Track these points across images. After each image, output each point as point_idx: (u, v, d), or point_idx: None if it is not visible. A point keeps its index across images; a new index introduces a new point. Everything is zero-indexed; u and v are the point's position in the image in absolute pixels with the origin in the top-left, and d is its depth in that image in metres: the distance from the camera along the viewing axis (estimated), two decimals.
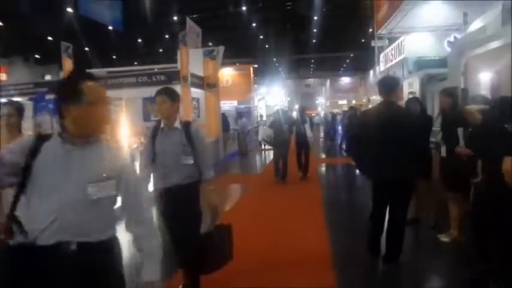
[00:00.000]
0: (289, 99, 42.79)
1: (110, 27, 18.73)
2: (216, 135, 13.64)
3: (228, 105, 19.49)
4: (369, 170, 4.18)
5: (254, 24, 26.15)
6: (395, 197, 4.03)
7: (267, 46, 31.88)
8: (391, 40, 14.28)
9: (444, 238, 4.78)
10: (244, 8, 23.02)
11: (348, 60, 37.83)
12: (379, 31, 14.51)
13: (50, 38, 22.96)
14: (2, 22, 20.99)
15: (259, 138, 12.10)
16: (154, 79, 11.79)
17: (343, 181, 10.74)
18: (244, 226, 5.62)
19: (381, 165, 3.93)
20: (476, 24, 8.40)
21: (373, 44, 15.45)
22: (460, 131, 4.32)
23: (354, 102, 33.56)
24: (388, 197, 4.07)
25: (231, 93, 19.03)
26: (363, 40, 30.53)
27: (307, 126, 9.76)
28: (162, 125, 3.31)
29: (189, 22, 13.24)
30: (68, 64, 12.57)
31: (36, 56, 27.99)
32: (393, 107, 4.05)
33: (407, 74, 13.76)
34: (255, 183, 10.19)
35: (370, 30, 20.78)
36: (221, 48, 13.78)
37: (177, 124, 3.29)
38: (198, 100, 13.78)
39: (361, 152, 4.19)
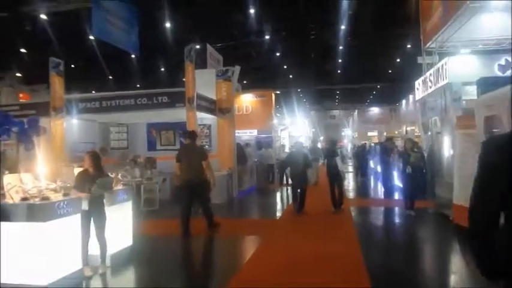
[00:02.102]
0: (313, 130, 40.51)
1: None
2: (230, 167, 11.21)
3: (247, 134, 17.13)
4: None
5: (277, 54, 24.22)
6: None
7: (290, 76, 29.86)
8: (442, 56, 11.62)
9: None
10: (267, 37, 21.08)
11: (374, 92, 35.26)
12: (428, 44, 11.79)
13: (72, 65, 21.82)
14: (25, 49, 19.73)
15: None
16: (155, 101, 9.62)
17: (394, 238, 7.80)
18: None
19: None
20: None
21: (420, 60, 12.79)
22: None
23: (385, 133, 30.56)
24: None
25: (251, 121, 16.70)
26: (390, 71, 28.44)
27: (338, 159, 9.14)
28: None
29: (209, 48, 11.30)
30: (57, 82, 10.56)
31: None
32: None
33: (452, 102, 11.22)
34: (274, 231, 7.63)
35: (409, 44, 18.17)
36: (237, 69, 11.62)
37: None
38: (209, 127, 11.51)
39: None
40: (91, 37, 15.97)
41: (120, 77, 23.18)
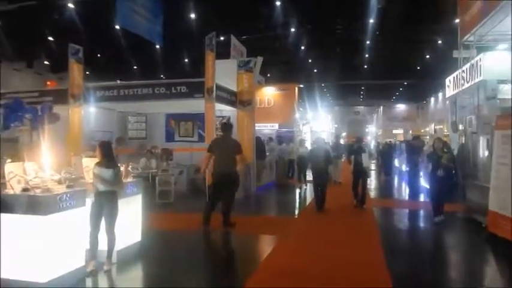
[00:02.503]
0: (336, 126, 39.56)
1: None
2: (249, 162, 10.76)
3: (268, 128, 16.62)
4: None
5: (302, 48, 23.52)
6: None
7: (315, 70, 29.07)
8: (480, 50, 10.74)
9: None
10: (292, 30, 20.42)
11: (400, 89, 34.01)
12: (466, 38, 10.89)
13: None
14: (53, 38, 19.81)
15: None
16: (174, 91, 9.25)
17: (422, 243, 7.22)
18: None
19: None
20: None
21: (455, 54, 11.90)
22: None
23: (410, 132, 29.39)
24: None
25: (272, 115, 16.17)
26: (418, 67, 27.28)
27: (364, 155, 9.18)
28: None
29: (234, 40, 10.87)
30: (76, 69, 10.34)
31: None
32: None
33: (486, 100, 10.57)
34: (292, 230, 7.16)
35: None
36: (259, 60, 11.15)
37: None
38: (228, 119, 11.09)
39: None
40: (117, 26, 15.90)
41: (146, 67, 23.05)
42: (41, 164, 4.69)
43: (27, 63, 22.45)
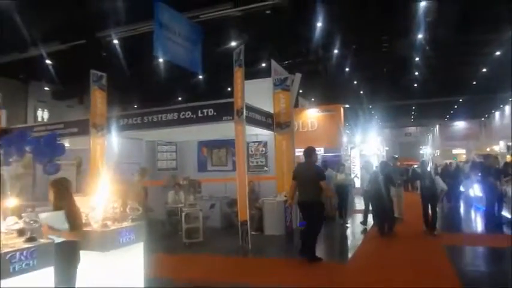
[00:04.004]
0: (387, 148, 36.57)
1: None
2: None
3: None
4: None
5: (347, 69, 21.85)
6: None
7: (361, 92, 27.08)
8: None
9: None
10: (336, 52, 18.88)
11: (455, 106, 30.77)
12: None
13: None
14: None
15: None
16: (201, 114, 7.98)
17: None
18: None
19: None
20: None
21: None
22: None
23: (474, 152, 25.93)
24: None
25: (317, 138, 14.46)
26: (474, 82, 24.46)
27: (438, 178, 8.58)
28: None
29: (274, 64, 9.64)
30: (99, 97, 9.43)
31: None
32: None
33: None
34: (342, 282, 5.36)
35: None
36: (297, 76, 9.69)
37: None
38: (265, 144, 9.63)
39: None
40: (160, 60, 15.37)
41: (187, 98, 22.54)
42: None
43: (78, 100, 22.74)
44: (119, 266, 3.92)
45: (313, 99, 23.43)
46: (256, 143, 9.66)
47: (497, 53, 17.86)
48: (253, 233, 8.61)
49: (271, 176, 9.47)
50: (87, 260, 3.61)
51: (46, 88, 20.68)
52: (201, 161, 10.54)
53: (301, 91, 24.00)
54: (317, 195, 6.24)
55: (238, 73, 7.63)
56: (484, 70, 21.39)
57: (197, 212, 7.69)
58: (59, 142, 5.99)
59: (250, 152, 9.83)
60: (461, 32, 15.99)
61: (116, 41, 14.25)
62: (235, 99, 7.62)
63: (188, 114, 8.11)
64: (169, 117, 8.30)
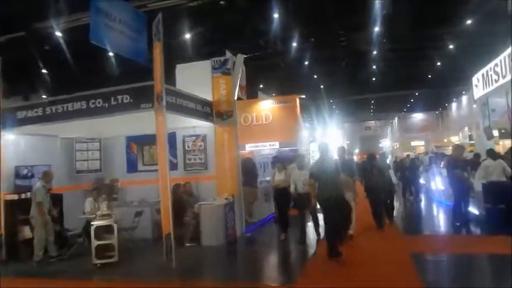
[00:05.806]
0: (348, 142, 35.74)
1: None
2: (233, 193, 7.51)
3: (268, 147, 13.31)
4: None
5: (307, 63, 20.57)
6: None
7: (321, 86, 25.97)
8: None
9: None
10: (294, 45, 17.47)
11: (412, 100, 30.32)
12: None
13: None
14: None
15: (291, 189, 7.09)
16: (114, 102, 6.15)
17: None
18: None
19: None
20: None
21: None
22: None
23: (433, 144, 25.23)
24: None
25: (272, 132, 12.90)
26: (430, 76, 24.00)
27: (391, 172, 8.31)
28: None
29: (228, 55, 7.96)
30: None
31: None
32: None
33: None
34: None
35: None
36: (239, 58, 8.07)
37: None
38: (204, 138, 7.95)
39: None
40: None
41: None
42: None
43: None
44: None
45: (273, 94, 22.06)
46: (194, 137, 7.90)
47: (451, 46, 17.24)
48: (188, 244, 6.95)
49: (211, 175, 7.77)
50: None
51: None
52: (130, 160, 8.62)
53: (261, 86, 22.60)
54: (341, 188, 6.03)
55: (157, 49, 5.88)
56: (439, 64, 20.94)
57: (110, 225, 5.86)
58: None
59: (187, 148, 8.06)
60: (417, 26, 15.19)
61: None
62: (155, 83, 5.86)
63: (99, 102, 6.23)
64: (76, 106, 6.38)
